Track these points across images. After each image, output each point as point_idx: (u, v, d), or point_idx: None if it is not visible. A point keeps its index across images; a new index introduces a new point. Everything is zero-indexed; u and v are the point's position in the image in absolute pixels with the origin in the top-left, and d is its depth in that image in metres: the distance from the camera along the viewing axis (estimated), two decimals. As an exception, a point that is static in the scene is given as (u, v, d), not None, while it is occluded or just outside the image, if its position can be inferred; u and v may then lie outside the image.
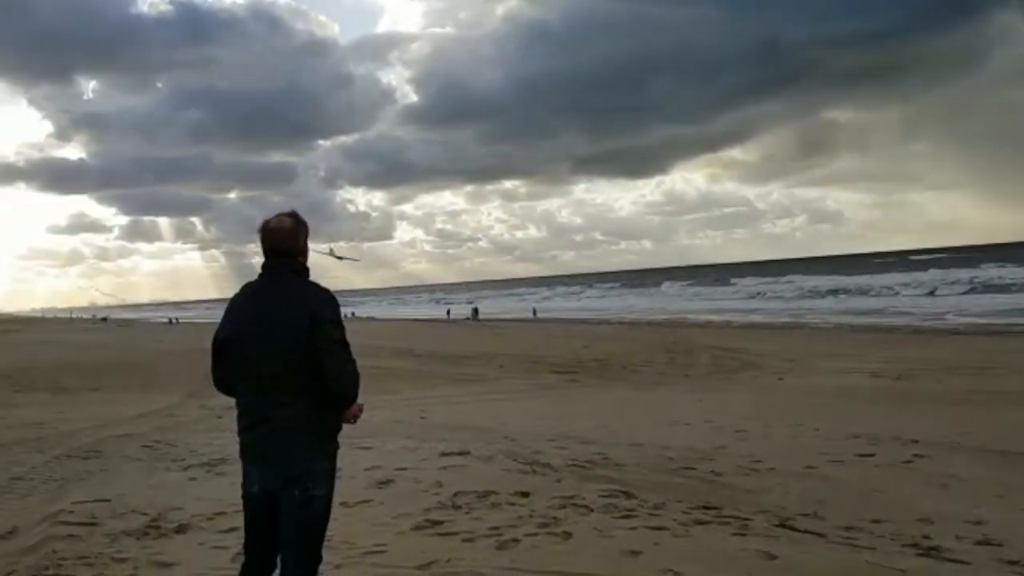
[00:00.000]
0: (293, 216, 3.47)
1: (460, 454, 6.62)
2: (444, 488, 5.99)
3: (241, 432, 3.37)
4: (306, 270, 3.42)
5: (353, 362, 3.33)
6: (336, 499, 3.45)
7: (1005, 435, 9.39)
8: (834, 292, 65.20)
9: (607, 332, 36.80)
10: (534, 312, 57.44)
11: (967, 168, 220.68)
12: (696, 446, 8.31)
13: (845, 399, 13.65)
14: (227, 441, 8.05)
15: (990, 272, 64.13)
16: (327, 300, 3.30)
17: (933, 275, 67.24)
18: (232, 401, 3.45)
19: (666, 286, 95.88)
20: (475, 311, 57.59)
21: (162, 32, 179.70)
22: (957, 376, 16.05)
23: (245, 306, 3.37)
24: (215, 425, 10.78)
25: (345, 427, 3.51)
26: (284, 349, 3.18)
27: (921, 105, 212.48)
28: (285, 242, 3.36)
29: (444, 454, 6.68)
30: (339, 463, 3.45)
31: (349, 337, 3.33)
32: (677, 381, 18.54)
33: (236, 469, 6.34)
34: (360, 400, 3.45)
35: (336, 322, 3.27)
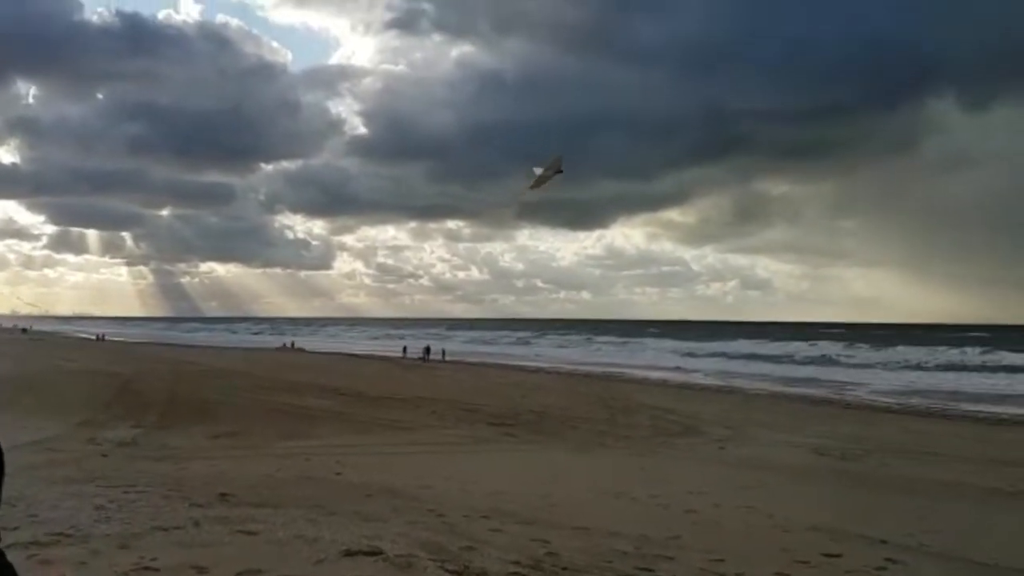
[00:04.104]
0: None
1: (369, 554, 5.18)
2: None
3: None
4: None
5: None
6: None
7: (971, 539, 8.73)
8: (764, 358, 65.72)
9: (544, 382, 35.84)
10: (442, 352, 55.69)
11: (894, 249, 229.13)
12: (648, 534, 7.33)
13: (793, 479, 12.92)
14: (83, 503, 6.65)
15: (915, 352, 65.43)
16: None
17: (861, 349, 68.50)
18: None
19: (603, 338, 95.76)
20: (427, 350, 55.83)
21: (106, 42, 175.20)
22: (903, 460, 15.50)
23: None
24: (89, 471, 9.32)
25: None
26: None
27: (853, 183, 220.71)
28: None
29: (348, 553, 5.20)
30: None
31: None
32: (616, 442, 17.62)
33: (73, 553, 5.05)
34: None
35: None
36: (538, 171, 12.76)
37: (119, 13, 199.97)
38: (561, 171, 12.59)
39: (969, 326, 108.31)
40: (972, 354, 61.20)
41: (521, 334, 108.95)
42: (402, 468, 12.32)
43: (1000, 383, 42.02)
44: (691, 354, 71.75)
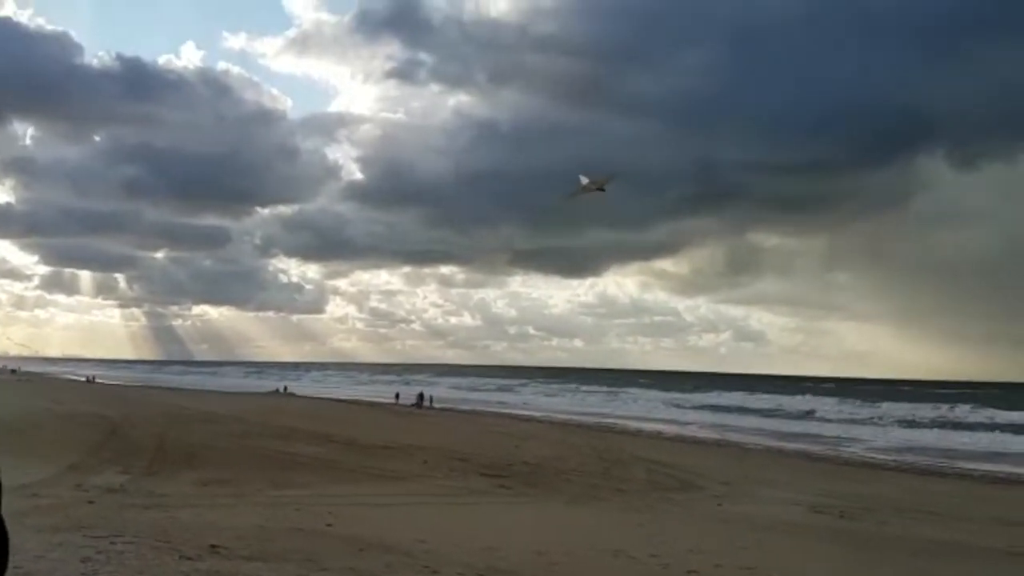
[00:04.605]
0: None
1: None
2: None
3: None
4: None
5: None
6: None
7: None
8: (758, 411, 65.42)
9: (537, 431, 35.49)
10: (430, 399, 55.12)
11: (886, 303, 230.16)
12: (649, 597, 7.14)
13: (792, 538, 12.70)
14: (70, 554, 6.44)
15: (907, 408, 65.20)
16: None
17: (855, 404, 68.25)
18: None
19: (595, 387, 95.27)
20: (421, 396, 55.27)
21: (106, 85, 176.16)
22: (902, 519, 15.30)
23: None
24: (76, 519, 9.08)
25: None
26: None
27: (845, 237, 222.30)
28: None
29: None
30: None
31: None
32: (612, 496, 17.36)
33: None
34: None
35: None
36: (584, 181, 12.75)
37: (120, 57, 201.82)
38: (604, 189, 12.58)
39: (958, 383, 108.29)
40: (963, 411, 61.07)
41: (513, 381, 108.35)
42: (394, 520, 12.08)
43: (993, 441, 41.86)
44: (684, 406, 71.44)
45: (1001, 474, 26.30)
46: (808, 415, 62.18)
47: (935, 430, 49.98)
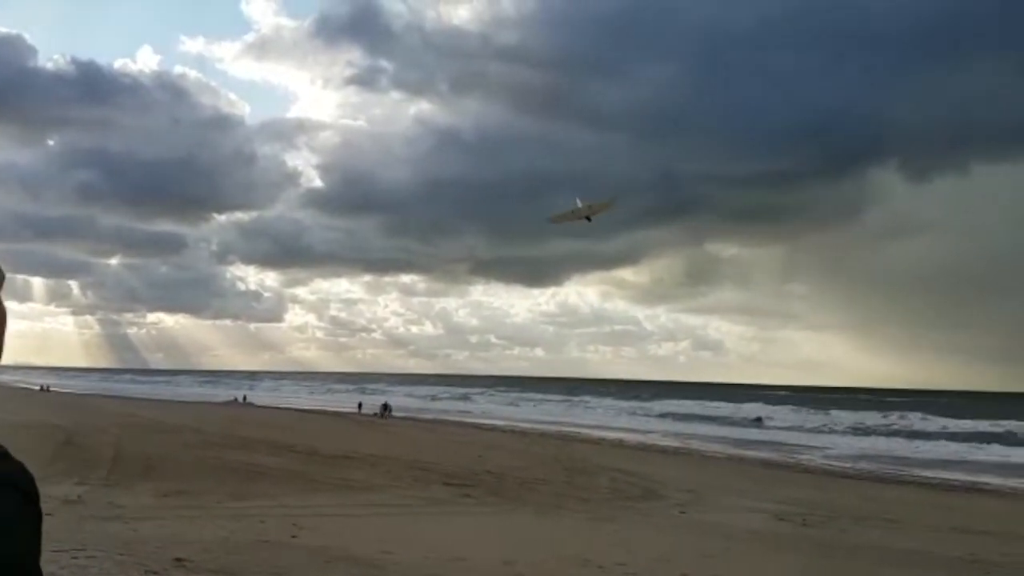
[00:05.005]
0: None
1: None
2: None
3: None
4: None
5: None
6: None
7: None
8: (717, 419, 66.15)
9: (500, 440, 35.43)
10: (389, 409, 54.63)
11: (840, 313, 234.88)
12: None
13: (757, 546, 12.83)
14: None
15: (862, 416, 66.43)
16: None
17: (811, 412, 69.40)
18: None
19: (557, 396, 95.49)
20: (385, 406, 54.70)
21: (60, 89, 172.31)
22: (864, 527, 15.53)
23: None
24: None
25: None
26: None
27: (801, 248, 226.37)
28: None
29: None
30: None
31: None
32: (577, 506, 17.37)
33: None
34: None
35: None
36: (579, 204, 12.80)
37: (75, 60, 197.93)
38: (590, 219, 12.65)
39: (909, 391, 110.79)
40: (914, 419, 62.53)
41: (474, 390, 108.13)
42: (360, 532, 11.95)
43: (945, 449, 42.84)
44: (645, 414, 72.03)
45: (957, 482, 26.88)
46: (765, 423, 63.04)
47: (888, 438, 51.07)
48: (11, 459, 1.09)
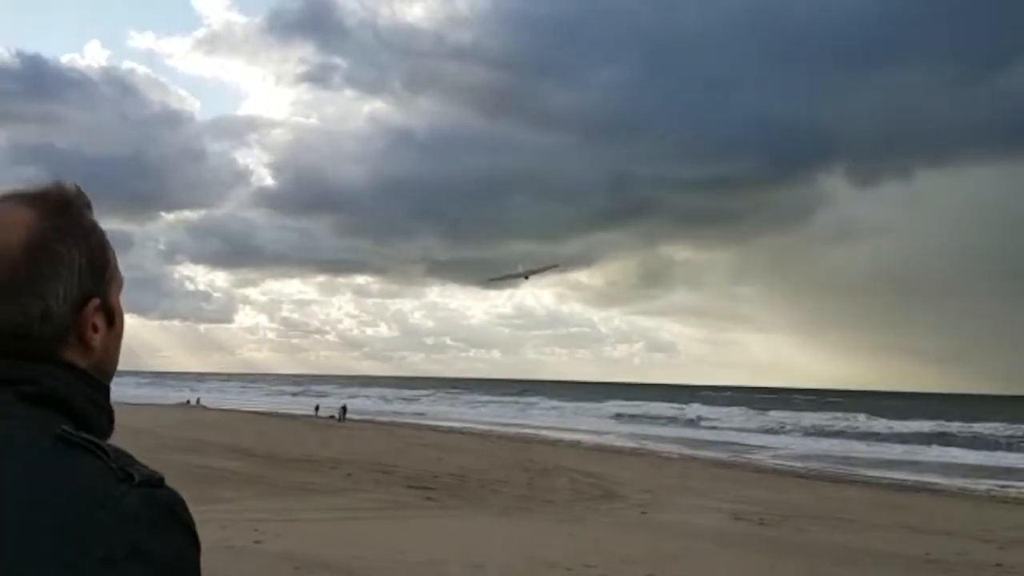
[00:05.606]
0: (45, 204, 1.04)
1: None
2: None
3: None
4: (88, 384, 0.98)
5: None
6: None
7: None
8: (671, 420, 67.03)
9: (460, 443, 35.37)
10: (344, 411, 53.94)
11: (788, 315, 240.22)
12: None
13: (718, 546, 13.04)
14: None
15: (810, 417, 67.86)
16: (157, 508, 0.88)
17: (761, 412, 70.71)
18: None
19: (515, 398, 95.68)
20: (344, 409, 53.89)
21: (5, 83, 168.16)
22: (820, 526, 15.89)
23: None
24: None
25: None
26: None
27: (751, 251, 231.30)
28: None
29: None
30: None
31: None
32: (540, 507, 17.47)
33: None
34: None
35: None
36: (520, 269, 12.81)
37: (20, 54, 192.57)
38: (527, 277, 12.70)
39: (854, 392, 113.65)
40: (860, 419, 64.12)
41: (430, 392, 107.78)
42: (325, 536, 11.84)
43: (891, 449, 44.05)
44: (600, 415, 72.55)
45: (908, 482, 27.63)
46: (716, 423, 63.98)
47: (836, 439, 52.31)
48: (169, 488, 0.92)
